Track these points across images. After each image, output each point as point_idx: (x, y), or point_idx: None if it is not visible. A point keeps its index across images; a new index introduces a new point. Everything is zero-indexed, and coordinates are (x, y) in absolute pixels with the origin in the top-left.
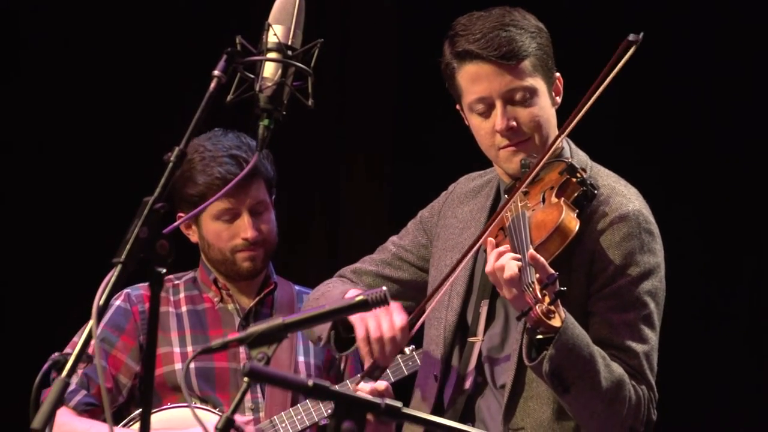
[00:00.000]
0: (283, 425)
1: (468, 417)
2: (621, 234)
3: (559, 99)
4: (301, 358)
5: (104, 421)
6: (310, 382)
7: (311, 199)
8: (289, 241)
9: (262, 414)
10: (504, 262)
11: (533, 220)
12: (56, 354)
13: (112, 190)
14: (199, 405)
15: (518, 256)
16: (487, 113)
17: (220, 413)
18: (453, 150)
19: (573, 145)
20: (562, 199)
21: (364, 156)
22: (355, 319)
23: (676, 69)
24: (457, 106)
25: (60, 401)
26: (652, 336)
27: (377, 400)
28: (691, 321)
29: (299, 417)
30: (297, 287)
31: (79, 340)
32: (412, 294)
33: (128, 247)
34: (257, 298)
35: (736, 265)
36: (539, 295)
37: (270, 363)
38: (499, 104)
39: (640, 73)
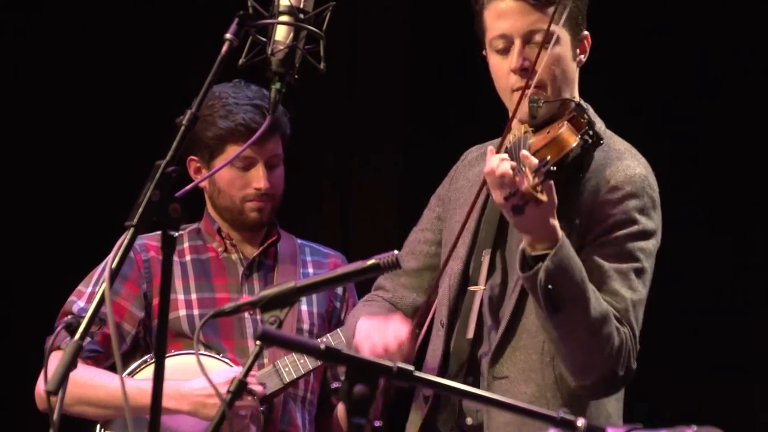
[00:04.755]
0: (287, 369)
1: (471, 368)
2: (625, 191)
3: (583, 58)
4: (304, 307)
5: (108, 368)
6: (323, 346)
7: (323, 168)
8: (301, 212)
9: (266, 360)
10: (496, 162)
11: (533, 140)
12: (69, 317)
13: (124, 154)
14: (204, 352)
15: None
16: (505, 52)
17: (223, 359)
18: (466, 120)
19: (591, 111)
20: (567, 123)
21: (376, 123)
22: (358, 343)
23: (687, 35)
24: (483, 52)
25: (73, 364)
26: (642, 290)
27: (389, 364)
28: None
29: (302, 361)
30: (299, 240)
31: (86, 288)
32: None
33: (140, 210)
34: (261, 248)
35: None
36: (530, 176)
37: (282, 325)
38: (518, 42)
39: (650, 42)
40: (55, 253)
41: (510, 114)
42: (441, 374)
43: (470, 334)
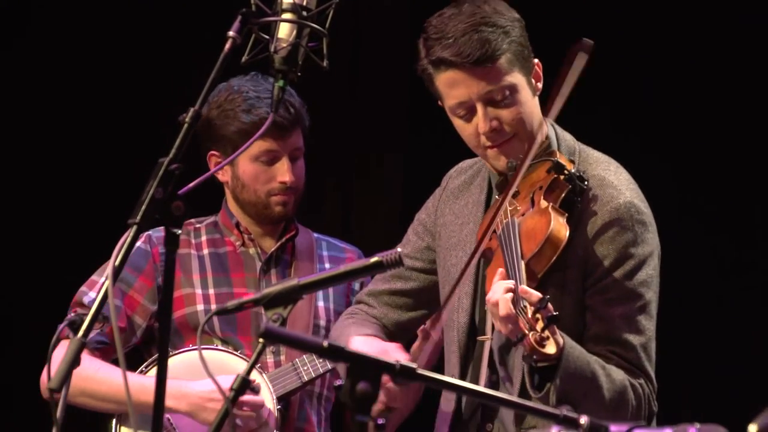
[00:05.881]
0: (305, 368)
1: (488, 417)
2: (613, 229)
3: (540, 85)
4: (320, 303)
5: (114, 360)
6: (326, 344)
7: (325, 163)
8: (302, 208)
9: (282, 357)
10: (498, 297)
11: (523, 229)
12: (72, 314)
13: (128, 152)
14: (221, 348)
15: (511, 286)
16: (469, 116)
17: (240, 355)
18: None
19: (559, 129)
20: (550, 204)
21: (379, 119)
22: None
23: (675, 27)
24: (440, 103)
25: (76, 361)
26: (649, 326)
27: (392, 362)
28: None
29: (321, 361)
30: (316, 234)
31: (99, 278)
32: (428, 300)
33: (143, 208)
34: (279, 243)
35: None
36: (532, 320)
37: (286, 323)
38: (479, 107)
39: (635, 33)
40: (59, 251)
41: (488, 165)
42: (455, 424)
43: (482, 384)
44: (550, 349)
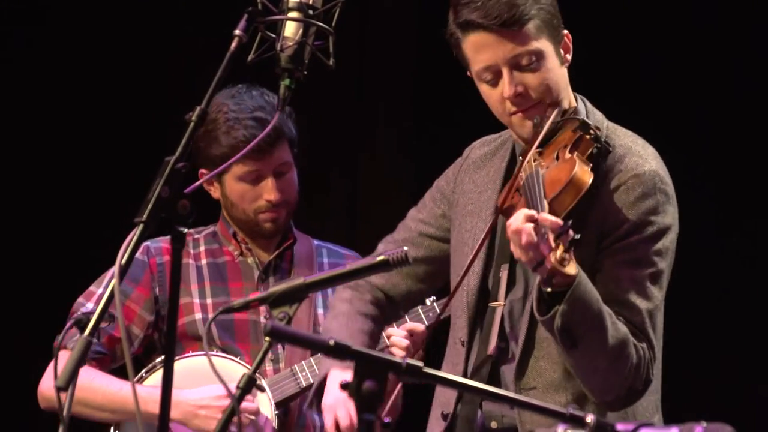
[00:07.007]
0: (303, 374)
1: (493, 383)
2: (636, 193)
3: (569, 56)
4: (320, 311)
5: (112, 371)
6: (332, 342)
7: (331, 158)
8: (308, 204)
9: (282, 365)
10: (520, 225)
11: (547, 177)
12: (78, 313)
13: (134, 150)
14: (219, 354)
15: (533, 214)
16: (495, 81)
17: (240, 362)
18: (474, 111)
19: (589, 105)
20: (576, 153)
21: (384, 115)
22: (324, 408)
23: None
24: (468, 73)
25: (83, 360)
26: (658, 295)
27: (399, 360)
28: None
29: (319, 367)
30: (316, 242)
31: (97, 289)
32: (438, 268)
33: (150, 206)
34: (276, 252)
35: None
36: (552, 244)
37: (291, 321)
38: (505, 71)
39: (656, 26)
40: (61, 253)
41: (513, 134)
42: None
43: (491, 350)
44: (571, 269)
